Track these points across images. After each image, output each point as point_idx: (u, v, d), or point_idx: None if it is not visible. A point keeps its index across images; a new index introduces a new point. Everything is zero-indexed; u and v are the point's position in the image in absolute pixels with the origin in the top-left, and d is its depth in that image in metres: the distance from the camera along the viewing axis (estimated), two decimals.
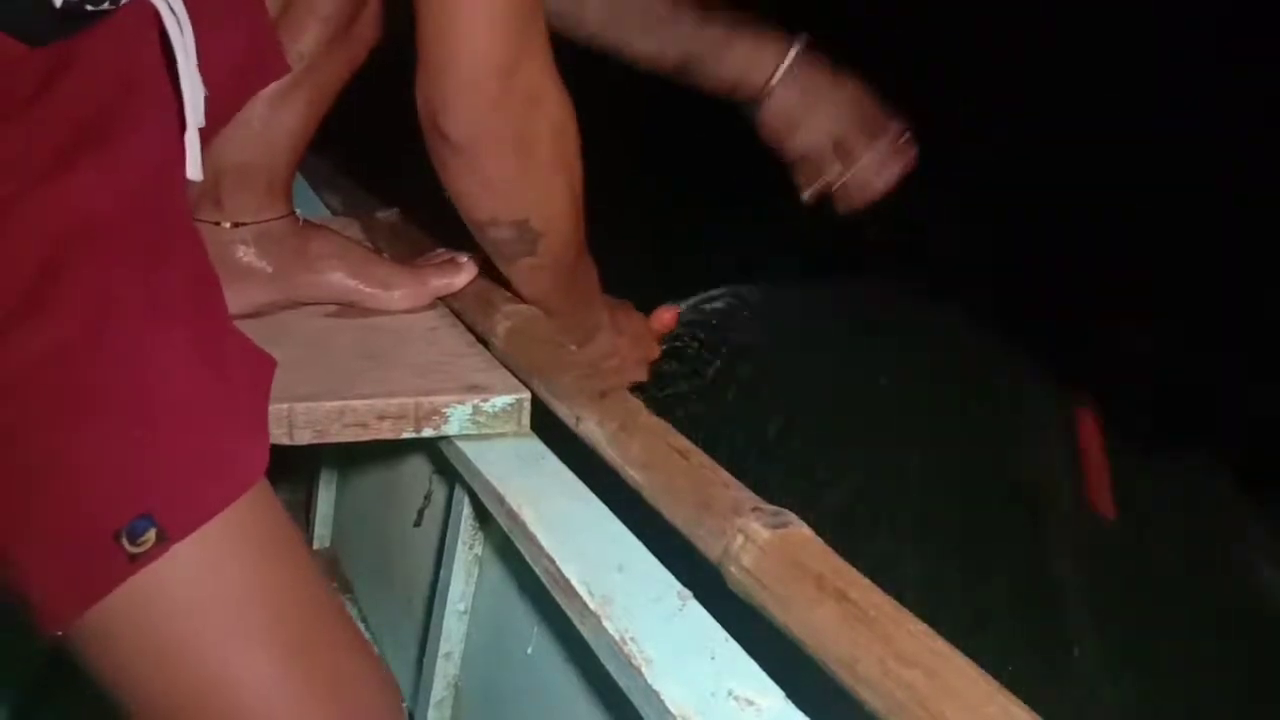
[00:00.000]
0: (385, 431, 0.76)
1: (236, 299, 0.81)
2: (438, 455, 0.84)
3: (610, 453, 0.72)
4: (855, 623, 0.51)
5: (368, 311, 0.93)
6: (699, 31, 1.02)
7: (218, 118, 0.79)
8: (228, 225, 0.88)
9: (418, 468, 1.01)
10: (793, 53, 1.02)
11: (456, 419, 0.77)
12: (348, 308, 0.93)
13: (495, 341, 0.87)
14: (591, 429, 0.74)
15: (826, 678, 0.51)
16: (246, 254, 0.89)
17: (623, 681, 0.55)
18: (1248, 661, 1.26)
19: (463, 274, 0.95)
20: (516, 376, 0.81)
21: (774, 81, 1.02)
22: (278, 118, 0.88)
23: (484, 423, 0.77)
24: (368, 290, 0.93)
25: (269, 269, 0.90)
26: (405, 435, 0.76)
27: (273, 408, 0.72)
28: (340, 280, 0.92)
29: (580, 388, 0.76)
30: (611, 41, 1.04)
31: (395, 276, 0.94)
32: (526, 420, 0.78)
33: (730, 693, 0.52)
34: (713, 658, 0.54)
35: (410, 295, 0.94)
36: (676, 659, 0.54)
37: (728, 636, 0.56)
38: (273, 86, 0.87)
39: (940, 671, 0.47)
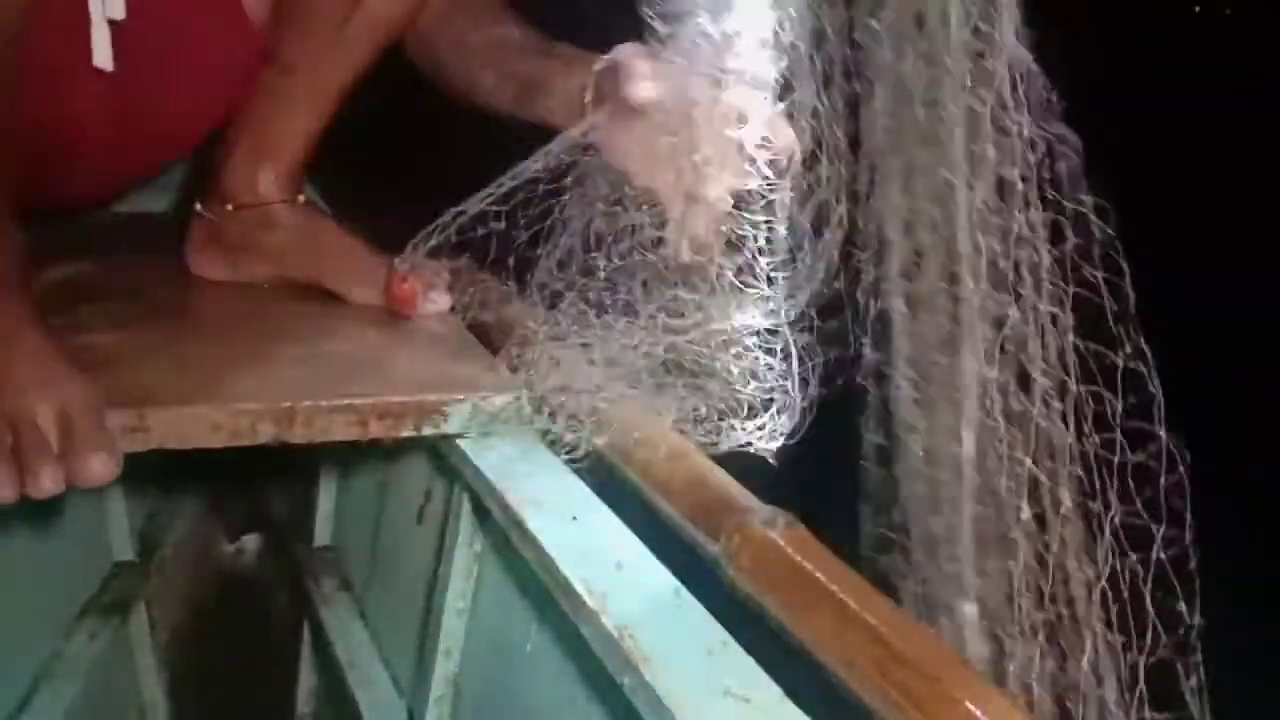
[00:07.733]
0: (385, 430, 0.76)
1: (231, 271, 0.94)
2: (437, 454, 0.84)
3: (608, 451, 0.72)
4: (852, 623, 0.51)
5: (365, 309, 0.94)
6: (529, 59, 0.92)
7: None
8: (230, 208, 0.95)
9: (417, 466, 1.01)
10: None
11: (456, 417, 0.77)
12: (341, 302, 0.96)
13: (494, 339, 0.87)
14: (590, 427, 0.74)
15: (824, 677, 0.52)
16: (243, 232, 0.96)
17: (621, 678, 0.55)
18: None
19: (432, 305, 0.93)
20: (515, 375, 0.81)
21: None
22: (278, 118, 0.93)
23: (484, 421, 0.77)
24: (343, 285, 0.96)
25: (263, 247, 0.96)
26: (405, 434, 0.76)
27: (274, 405, 0.72)
28: (317, 267, 0.96)
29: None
30: (460, 74, 0.97)
31: (372, 274, 0.94)
32: (526, 418, 0.78)
33: (727, 690, 0.52)
34: (710, 655, 0.55)
35: (377, 297, 0.94)
36: (674, 656, 0.54)
37: (725, 634, 0.56)
38: (272, 86, 0.92)
39: (937, 673, 0.47)
